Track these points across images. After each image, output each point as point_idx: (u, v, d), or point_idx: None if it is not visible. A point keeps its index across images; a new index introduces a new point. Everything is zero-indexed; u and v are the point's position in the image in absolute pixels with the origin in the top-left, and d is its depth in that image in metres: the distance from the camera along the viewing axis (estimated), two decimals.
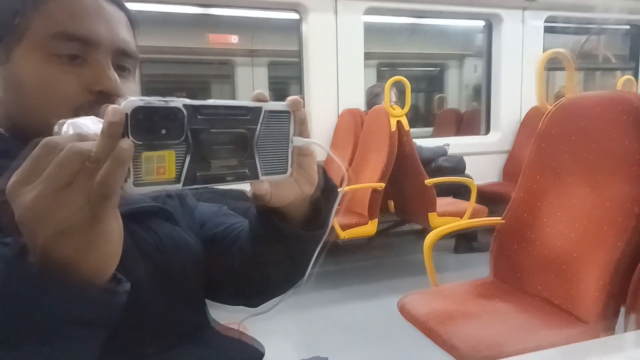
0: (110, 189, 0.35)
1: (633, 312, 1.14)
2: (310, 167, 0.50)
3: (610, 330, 1.19)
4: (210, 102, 0.40)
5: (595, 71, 4.77)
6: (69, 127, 0.42)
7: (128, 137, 0.35)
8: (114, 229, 0.38)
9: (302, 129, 0.47)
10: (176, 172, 0.38)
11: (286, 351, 1.92)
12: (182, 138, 0.38)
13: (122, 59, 0.58)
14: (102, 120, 0.37)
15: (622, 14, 3.88)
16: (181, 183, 0.39)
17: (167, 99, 0.37)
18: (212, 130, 0.40)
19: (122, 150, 0.34)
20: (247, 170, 0.43)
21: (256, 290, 0.67)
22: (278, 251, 0.58)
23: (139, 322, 0.53)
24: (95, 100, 0.54)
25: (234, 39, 4.98)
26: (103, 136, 0.35)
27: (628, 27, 4.15)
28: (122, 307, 0.41)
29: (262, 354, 0.70)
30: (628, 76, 2.78)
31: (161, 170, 0.37)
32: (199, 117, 0.39)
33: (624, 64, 4.38)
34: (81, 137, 0.37)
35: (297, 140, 0.47)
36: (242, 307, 0.71)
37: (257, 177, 0.44)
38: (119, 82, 0.56)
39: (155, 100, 0.36)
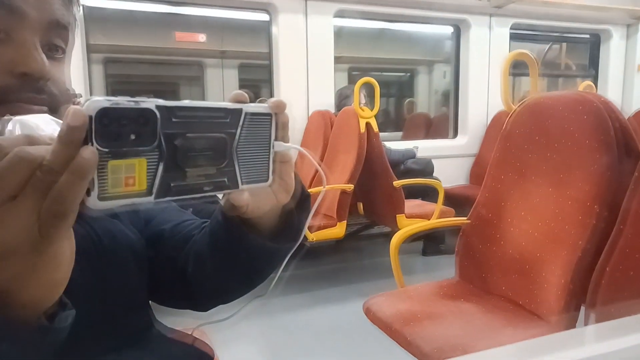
0: (66, 206, 0.29)
1: (593, 310, 1.15)
2: (289, 174, 0.46)
3: (570, 328, 1.20)
4: (186, 103, 0.36)
5: (557, 78, 4.93)
6: (15, 125, 0.37)
7: (92, 144, 0.30)
8: (65, 252, 0.33)
9: (283, 134, 0.43)
10: (147, 182, 0.34)
11: (249, 356, 1.86)
12: (155, 144, 0.33)
13: (53, 36, 0.50)
14: (56, 119, 0.32)
15: (582, 24, 4.02)
16: (153, 195, 0.34)
17: (137, 99, 0.33)
18: (188, 135, 0.35)
19: (83, 160, 0.29)
20: (226, 179, 0.39)
21: (210, 296, 0.62)
22: (242, 261, 0.53)
23: (73, 323, 0.48)
24: (19, 83, 0.46)
25: (202, 37, 4.90)
26: (61, 142, 0.29)
27: (588, 36, 4.30)
28: (63, 341, 0.36)
29: (211, 359, 0.65)
30: (588, 82, 2.87)
31: (130, 181, 0.33)
32: (173, 120, 0.34)
33: (583, 72, 4.54)
34: (31, 139, 0.31)
35: (279, 146, 0.43)
36: (199, 312, 0.66)
37: (236, 186, 0.40)
38: (48, 65, 0.48)
39: (123, 101, 0.32)
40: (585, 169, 1.23)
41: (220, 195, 0.42)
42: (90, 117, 0.30)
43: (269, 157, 0.43)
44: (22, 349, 0.33)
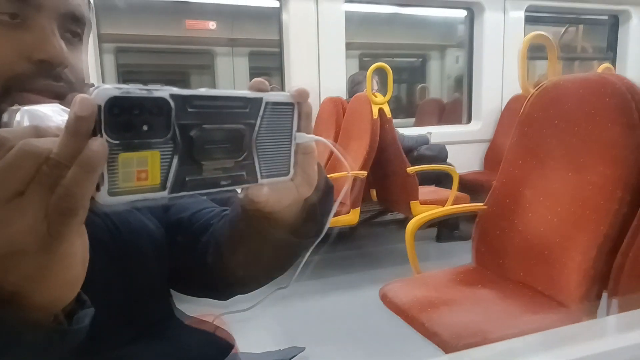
0: (75, 202, 0.27)
1: (615, 296, 1.13)
2: (311, 167, 0.43)
3: (592, 314, 1.18)
4: (203, 91, 0.33)
5: (573, 61, 4.83)
6: (23, 116, 0.35)
7: (101, 136, 0.28)
8: (77, 251, 0.31)
9: (306, 124, 0.41)
10: (161, 177, 0.32)
11: (264, 342, 1.87)
12: (169, 136, 0.31)
13: (70, 22, 0.48)
14: (67, 109, 0.30)
15: (600, 5, 3.91)
16: (167, 190, 0.32)
17: (150, 87, 0.31)
18: (205, 126, 0.33)
19: (92, 153, 0.27)
20: (244, 173, 0.37)
21: (230, 286, 0.62)
22: (263, 254, 0.52)
23: (92, 316, 0.48)
24: (36, 70, 0.45)
25: (212, 25, 4.88)
26: (68, 134, 0.27)
27: (606, 17, 4.19)
28: (82, 341, 0.35)
29: (232, 347, 0.65)
30: (607, 64, 2.80)
31: (143, 175, 0.31)
32: (189, 110, 0.32)
33: (601, 55, 4.43)
34: (38, 131, 0.29)
35: (300, 137, 0.41)
36: (219, 301, 0.66)
37: (255, 181, 0.38)
38: (66, 51, 0.46)
39: (135, 90, 0.29)
40: (607, 152, 1.20)
41: (239, 189, 0.41)
42: (99, 107, 0.28)
43: (290, 149, 0.41)
44: (39, 351, 0.33)
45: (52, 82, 0.45)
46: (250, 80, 0.39)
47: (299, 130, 0.41)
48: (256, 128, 0.37)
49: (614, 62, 4.16)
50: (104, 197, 0.29)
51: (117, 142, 0.29)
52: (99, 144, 0.27)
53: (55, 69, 0.45)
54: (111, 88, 0.28)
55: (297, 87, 0.40)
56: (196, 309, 0.71)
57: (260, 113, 0.37)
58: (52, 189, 0.27)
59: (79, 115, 0.27)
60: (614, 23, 4.17)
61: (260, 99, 0.37)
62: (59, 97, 0.46)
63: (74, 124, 0.27)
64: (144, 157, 0.30)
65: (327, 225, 0.51)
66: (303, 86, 0.40)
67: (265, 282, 0.59)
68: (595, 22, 4.35)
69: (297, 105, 0.40)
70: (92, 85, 0.53)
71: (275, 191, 0.43)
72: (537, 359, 0.49)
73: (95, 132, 0.28)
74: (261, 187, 0.40)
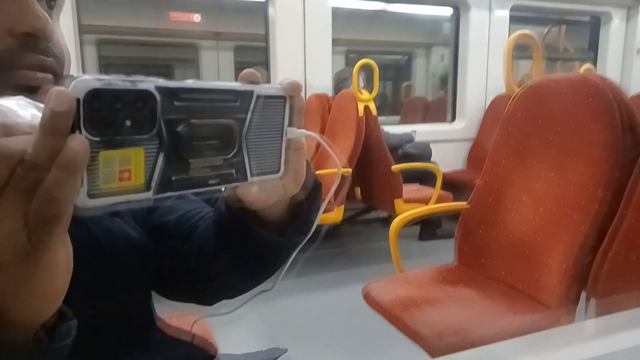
0: (58, 207, 0.25)
1: (593, 297, 1.14)
2: (300, 163, 0.41)
3: (570, 314, 1.19)
4: (190, 83, 0.31)
5: (555, 61, 4.89)
6: None
7: (80, 132, 0.25)
8: (61, 260, 0.29)
9: (298, 119, 0.39)
10: (145, 176, 0.29)
11: (247, 342, 1.86)
12: (154, 132, 0.29)
13: None
14: (35, 103, 0.27)
15: (583, 5, 3.96)
16: (152, 190, 0.30)
17: (134, 78, 0.28)
18: (193, 121, 0.31)
19: (73, 152, 0.24)
20: (233, 171, 0.35)
21: (215, 290, 0.59)
22: (248, 255, 0.50)
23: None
24: (22, 46, 0.40)
25: (197, 17, 4.81)
26: (44, 132, 0.24)
27: (588, 18, 4.25)
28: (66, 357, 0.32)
29: (213, 355, 0.63)
30: (588, 65, 2.84)
31: (125, 175, 0.28)
32: (175, 103, 0.30)
33: (582, 55, 4.50)
34: (7, 129, 0.26)
35: (292, 132, 0.39)
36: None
37: (245, 179, 0.36)
38: (50, 22, 0.41)
39: (117, 81, 0.27)
40: (589, 152, 1.21)
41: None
42: (78, 100, 0.25)
43: (281, 145, 0.39)
44: None
45: (42, 56, 0.42)
46: (236, 74, 0.37)
47: (290, 125, 0.39)
48: (246, 123, 0.35)
49: (594, 63, 4.22)
50: (82, 200, 0.27)
51: (98, 139, 0.26)
52: (79, 142, 0.25)
53: (40, 42, 0.41)
54: (91, 79, 0.26)
55: (289, 79, 0.38)
56: (176, 311, 0.69)
57: (251, 107, 0.35)
58: (30, 194, 0.25)
59: (56, 110, 0.24)
60: (596, 24, 4.23)
61: (252, 92, 0.35)
62: (50, 71, 0.43)
63: (51, 121, 0.24)
64: (126, 155, 0.28)
65: (315, 225, 0.50)
66: (294, 79, 0.38)
67: (251, 286, 0.57)
68: (577, 22, 4.42)
69: (289, 98, 0.38)
70: (72, 76, 0.49)
71: (263, 189, 0.40)
72: None
73: (74, 128, 0.25)
74: (250, 185, 0.38)
